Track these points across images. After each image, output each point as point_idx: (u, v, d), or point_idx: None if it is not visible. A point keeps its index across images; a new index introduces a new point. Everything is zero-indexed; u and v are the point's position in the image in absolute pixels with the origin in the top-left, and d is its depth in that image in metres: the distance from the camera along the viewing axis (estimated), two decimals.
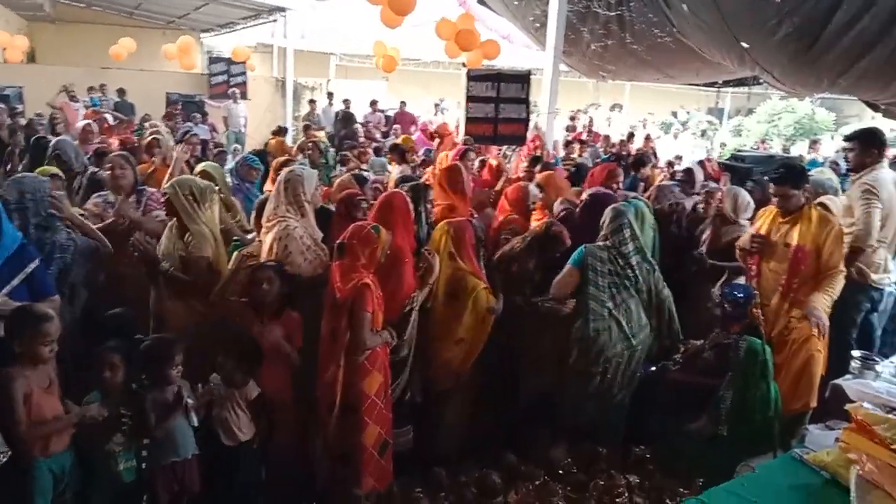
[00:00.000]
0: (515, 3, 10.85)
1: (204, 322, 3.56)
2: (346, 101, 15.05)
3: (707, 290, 4.37)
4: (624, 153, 10.66)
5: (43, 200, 3.55)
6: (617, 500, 3.28)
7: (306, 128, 12.38)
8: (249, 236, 4.41)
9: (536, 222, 4.68)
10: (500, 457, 3.67)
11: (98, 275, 3.89)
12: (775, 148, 16.97)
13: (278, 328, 3.41)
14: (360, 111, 15.32)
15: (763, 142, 18.55)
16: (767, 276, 4.11)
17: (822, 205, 4.51)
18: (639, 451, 3.68)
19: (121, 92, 14.32)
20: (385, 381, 3.42)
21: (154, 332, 3.49)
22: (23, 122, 9.79)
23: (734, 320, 3.82)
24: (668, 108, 23.98)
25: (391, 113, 16.00)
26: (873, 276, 4.54)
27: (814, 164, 10.04)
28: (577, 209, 4.72)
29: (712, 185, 6.25)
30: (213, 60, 17.69)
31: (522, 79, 8.29)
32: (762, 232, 4.21)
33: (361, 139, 11.69)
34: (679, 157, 11.90)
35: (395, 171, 7.59)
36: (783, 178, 4.09)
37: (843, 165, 7.88)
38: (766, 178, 5.25)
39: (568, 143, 11.43)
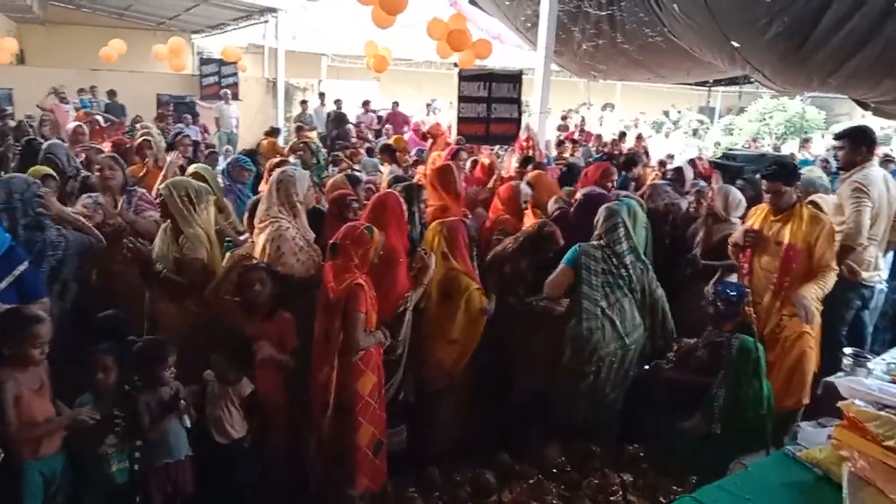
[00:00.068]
0: (507, 3, 10.85)
1: (198, 323, 3.55)
2: (337, 102, 15.02)
3: (700, 290, 4.38)
4: (616, 152, 10.68)
5: (31, 200, 3.54)
6: (611, 498, 3.29)
7: (299, 129, 12.35)
8: (242, 237, 4.40)
9: (529, 222, 4.69)
10: (494, 456, 3.67)
11: (90, 270, 3.88)
12: (766, 146, 17.04)
13: (268, 345, 3.39)
14: (351, 111, 15.30)
15: (754, 140, 18.61)
16: (759, 275, 4.12)
17: (814, 203, 4.53)
18: (632, 449, 3.68)
19: (111, 93, 14.26)
20: (379, 381, 3.42)
21: (148, 334, 3.48)
22: (12, 124, 9.74)
23: (727, 318, 3.83)
24: (659, 107, 24.04)
25: (383, 113, 15.98)
26: (864, 274, 4.56)
27: (805, 162, 10.07)
28: (572, 208, 4.72)
29: (702, 183, 6.26)
30: (205, 61, 17.64)
31: (514, 78, 8.31)
32: None
33: (353, 140, 11.67)
34: (671, 156, 11.92)
35: (385, 171, 7.59)
36: (775, 174, 4.10)
37: (834, 164, 7.91)
38: (757, 175, 5.27)
39: (560, 143, 11.43)
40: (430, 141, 9.84)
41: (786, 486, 2.27)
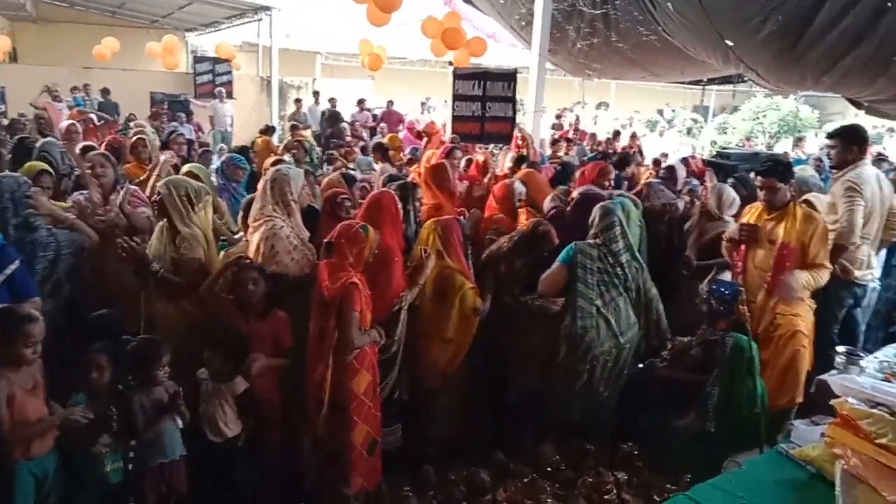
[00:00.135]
0: (501, 1, 10.87)
1: (194, 323, 3.54)
2: (331, 100, 15.00)
3: (694, 289, 4.39)
4: (610, 151, 10.70)
5: (22, 200, 3.52)
6: (605, 497, 3.30)
7: (293, 127, 12.33)
8: (237, 236, 4.39)
9: (522, 220, 4.69)
10: (489, 455, 3.68)
11: (83, 268, 3.87)
12: (760, 145, 17.09)
13: (263, 357, 3.39)
14: (346, 110, 15.28)
15: (748, 139, 18.65)
16: (753, 273, 4.13)
17: (808, 202, 4.53)
18: (627, 447, 3.70)
19: (104, 92, 14.20)
20: (373, 380, 3.42)
21: (144, 334, 3.46)
22: (5, 122, 9.70)
23: (721, 317, 3.84)
24: (653, 106, 24.08)
25: (378, 112, 15.96)
26: (856, 273, 4.57)
27: (798, 161, 10.10)
28: (568, 207, 4.73)
29: (694, 182, 6.28)
30: (199, 60, 17.54)
31: (509, 77, 8.30)
32: None
33: (348, 138, 11.65)
34: (665, 155, 11.94)
35: (377, 169, 7.58)
36: (770, 170, 4.11)
37: (827, 163, 7.94)
38: (751, 173, 5.28)
39: (555, 142, 11.44)
40: (424, 140, 9.83)
41: (779, 484, 2.27)
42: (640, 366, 4.09)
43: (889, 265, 5.31)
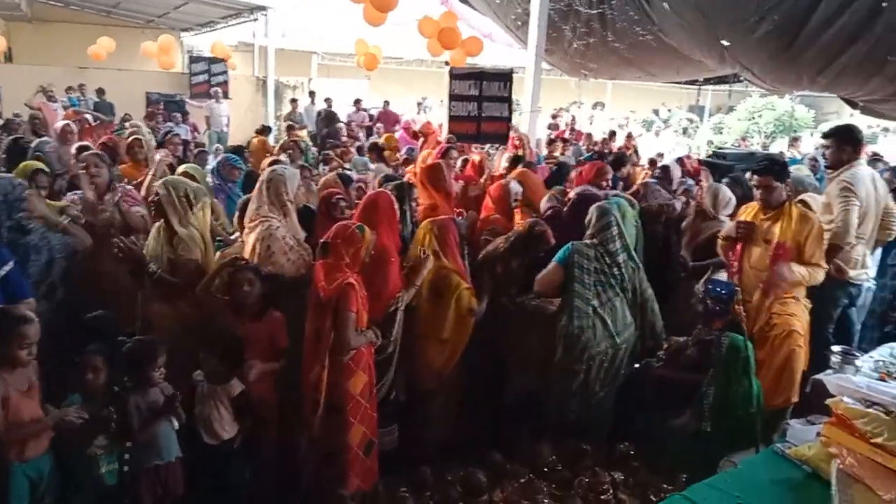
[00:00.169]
0: (497, 1, 10.85)
1: (191, 324, 3.53)
2: (327, 100, 14.97)
3: (690, 289, 4.39)
4: (606, 151, 10.69)
5: (16, 202, 3.51)
6: (602, 496, 3.29)
7: (289, 127, 12.31)
8: (233, 237, 4.38)
9: (519, 221, 4.69)
10: (486, 455, 3.67)
11: (76, 271, 3.85)
12: (756, 145, 17.12)
13: (259, 363, 3.38)
14: (341, 110, 15.26)
15: (744, 139, 18.70)
16: (748, 273, 4.13)
17: (803, 202, 4.54)
18: (623, 447, 3.69)
19: (100, 92, 14.16)
20: (370, 380, 3.41)
21: (141, 335, 3.45)
22: (0, 122, 9.66)
23: (717, 317, 3.84)
24: (649, 105, 24.08)
25: (375, 112, 15.95)
26: (851, 273, 4.59)
27: (794, 161, 10.12)
28: (565, 207, 4.73)
29: (689, 182, 6.29)
30: (194, 59, 17.50)
31: (505, 77, 8.30)
32: None
33: (344, 138, 11.64)
34: (661, 155, 11.96)
35: (372, 168, 7.57)
36: (767, 168, 4.11)
37: (822, 162, 7.96)
38: (747, 173, 5.29)
39: (551, 142, 11.44)
40: (420, 140, 9.82)
41: (775, 484, 2.28)
42: (637, 366, 4.09)
43: (884, 265, 5.32)
